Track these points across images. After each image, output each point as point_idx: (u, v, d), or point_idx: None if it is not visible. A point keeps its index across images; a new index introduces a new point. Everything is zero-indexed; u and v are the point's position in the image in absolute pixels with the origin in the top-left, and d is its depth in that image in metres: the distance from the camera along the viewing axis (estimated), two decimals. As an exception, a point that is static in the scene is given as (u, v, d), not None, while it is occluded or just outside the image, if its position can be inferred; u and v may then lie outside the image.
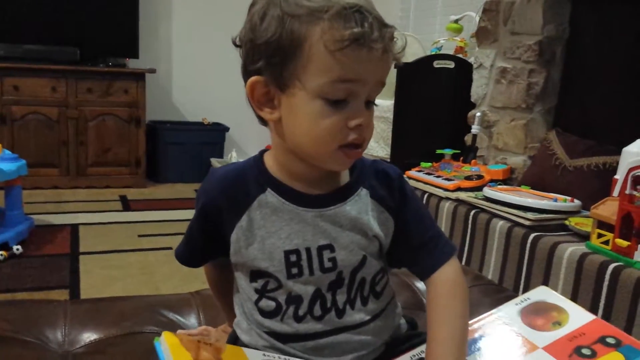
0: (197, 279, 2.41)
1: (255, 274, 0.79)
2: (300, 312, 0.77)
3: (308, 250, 0.76)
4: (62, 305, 1.09)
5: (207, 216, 0.81)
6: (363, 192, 0.80)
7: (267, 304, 0.78)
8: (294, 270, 0.76)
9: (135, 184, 4.06)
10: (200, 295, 1.12)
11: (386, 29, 0.70)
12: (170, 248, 2.75)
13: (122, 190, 3.96)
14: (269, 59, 0.71)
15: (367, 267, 0.79)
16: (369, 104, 0.73)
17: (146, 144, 4.08)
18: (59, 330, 1.03)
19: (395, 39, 0.73)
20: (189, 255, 0.89)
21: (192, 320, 1.06)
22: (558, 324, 0.82)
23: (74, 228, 3.05)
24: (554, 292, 0.90)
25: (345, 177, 0.80)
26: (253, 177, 0.78)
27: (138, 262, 2.63)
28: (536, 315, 0.85)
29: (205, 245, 0.85)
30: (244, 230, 0.77)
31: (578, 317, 0.83)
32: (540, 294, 0.90)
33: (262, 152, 0.82)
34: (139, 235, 3.00)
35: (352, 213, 0.78)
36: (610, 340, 0.74)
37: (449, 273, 0.80)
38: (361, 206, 0.79)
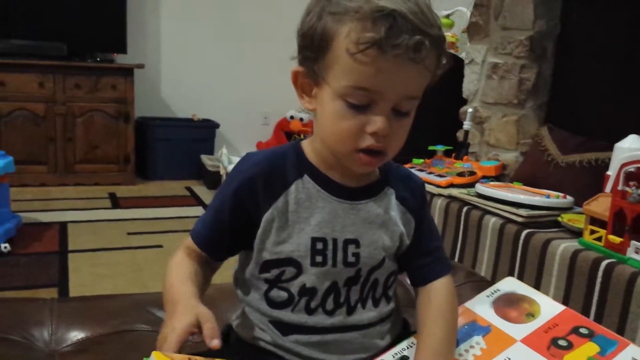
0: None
1: (269, 264, 0.78)
2: (313, 305, 0.78)
3: (335, 241, 0.77)
4: (49, 304, 1.07)
5: (242, 197, 0.78)
6: (389, 192, 0.82)
7: (279, 294, 0.78)
8: (318, 259, 0.77)
9: (125, 181, 4.02)
10: (190, 293, 1.10)
11: (422, 37, 0.66)
12: (160, 246, 2.73)
13: (111, 187, 3.92)
14: (305, 51, 0.73)
15: (384, 268, 0.82)
16: (401, 114, 0.72)
17: (135, 141, 4.04)
18: (45, 329, 1.01)
19: (437, 53, 0.70)
20: (212, 242, 0.81)
21: (181, 318, 1.04)
22: (531, 315, 0.84)
23: (63, 226, 3.02)
24: (521, 282, 0.92)
25: (375, 174, 0.83)
26: (291, 162, 0.79)
27: (127, 260, 2.60)
28: (508, 307, 0.87)
29: (233, 230, 0.79)
30: (279, 211, 0.77)
31: (549, 307, 0.86)
32: (509, 285, 0.92)
33: (299, 141, 0.83)
34: (128, 233, 2.97)
35: (380, 209, 0.80)
36: (583, 331, 0.75)
37: (448, 284, 0.84)
38: (388, 204, 0.82)
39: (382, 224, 0.81)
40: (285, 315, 0.78)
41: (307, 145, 0.81)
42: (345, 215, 0.78)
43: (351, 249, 0.78)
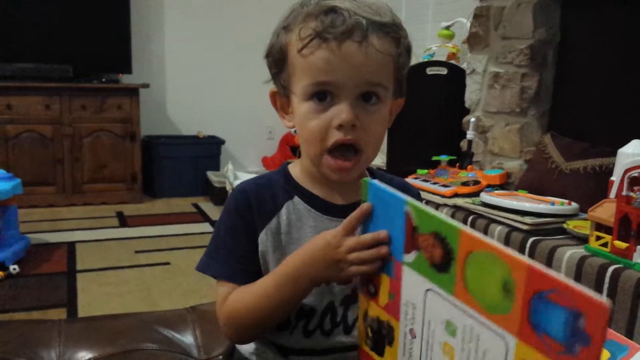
0: (195, 294, 2.40)
1: None
2: (310, 327, 0.77)
3: None
4: (56, 325, 1.08)
5: (245, 216, 0.77)
6: None
7: None
8: None
9: (132, 199, 4.05)
10: (196, 311, 1.11)
11: (358, 18, 0.68)
12: (168, 263, 2.74)
13: (118, 206, 3.94)
14: (271, 70, 0.78)
15: None
16: (367, 100, 0.72)
17: (142, 159, 4.07)
18: (53, 350, 1.02)
19: (390, 37, 0.71)
20: (245, 270, 0.77)
21: (188, 336, 1.05)
22: None
23: (71, 246, 3.04)
24: None
25: None
26: (280, 185, 0.80)
27: (136, 278, 2.61)
28: None
29: (254, 249, 0.77)
30: (272, 232, 0.77)
31: None
32: None
33: (286, 164, 0.84)
34: (136, 251, 2.99)
35: None
36: None
37: None
38: None
39: None
40: (284, 338, 0.78)
41: (294, 167, 0.82)
42: None
43: None
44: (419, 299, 0.59)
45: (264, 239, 0.77)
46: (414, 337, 0.60)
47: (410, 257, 0.60)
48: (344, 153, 0.73)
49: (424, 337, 0.59)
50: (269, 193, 0.79)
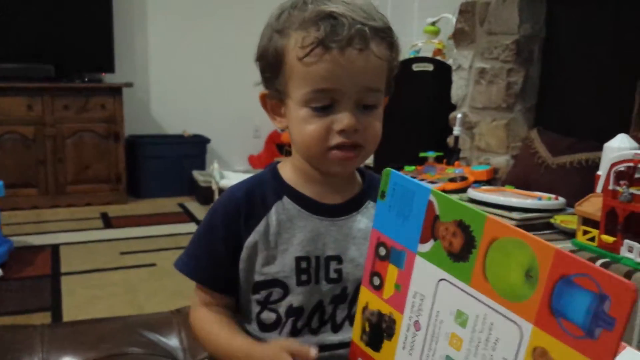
0: (181, 295, 2.37)
1: (259, 285, 0.78)
2: (299, 325, 0.78)
3: (317, 258, 0.78)
4: (39, 330, 1.06)
5: (229, 225, 0.78)
6: (370, 205, 0.81)
7: (268, 316, 0.79)
8: (304, 277, 0.77)
9: (116, 200, 4.01)
10: (181, 314, 1.10)
11: (361, 26, 0.69)
12: (154, 264, 2.71)
13: (103, 207, 3.90)
14: (264, 74, 0.77)
15: None
16: (366, 107, 0.74)
17: (126, 159, 4.02)
18: (35, 356, 1.00)
19: (385, 42, 0.73)
20: (219, 279, 0.80)
21: (173, 340, 1.04)
22: None
23: (55, 248, 3.00)
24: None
25: (357, 188, 0.82)
26: (270, 186, 0.80)
27: (121, 280, 2.58)
28: None
29: (232, 259, 0.79)
30: (260, 235, 0.77)
31: None
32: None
33: (275, 163, 0.84)
34: (121, 253, 2.95)
35: (362, 224, 0.80)
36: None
37: None
38: (371, 217, 0.81)
39: (365, 239, 0.79)
40: (272, 337, 0.78)
41: (284, 167, 0.82)
42: (327, 233, 0.78)
43: (333, 265, 0.78)
44: (430, 289, 0.60)
45: (251, 242, 0.77)
46: (418, 329, 0.60)
47: (425, 247, 0.61)
48: (346, 149, 0.74)
49: (429, 329, 0.59)
50: (259, 197, 0.79)
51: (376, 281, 0.66)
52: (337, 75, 0.70)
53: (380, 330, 0.64)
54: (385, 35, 0.73)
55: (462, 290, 0.57)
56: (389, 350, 0.64)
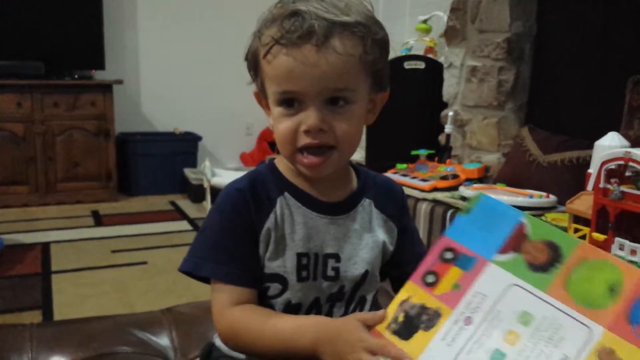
0: (172, 293, 2.37)
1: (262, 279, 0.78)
2: None
3: (316, 255, 0.78)
4: (28, 329, 1.05)
5: (242, 213, 0.76)
6: (366, 202, 0.82)
7: None
8: (304, 273, 0.77)
9: (107, 198, 3.98)
10: (172, 313, 1.09)
11: (320, 23, 0.67)
12: (145, 263, 2.69)
13: (93, 205, 3.88)
14: (249, 73, 0.78)
15: (367, 283, 0.81)
16: (335, 104, 0.72)
17: (116, 157, 4.00)
18: (25, 355, 0.99)
19: (356, 37, 0.70)
20: (248, 271, 0.76)
21: (163, 339, 1.03)
22: None
23: (45, 246, 2.98)
24: None
25: (353, 186, 0.83)
26: (271, 182, 0.80)
27: (112, 278, 2.56)
28: None
29: (255, 247, 0.76)
30: (271, 229, 0.77)
31: None
32: None
33: (271, 160, 0.83)
34: (112, 251, 2.94)
35: (360, 222, 0.81)
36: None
37: None
38: (368, 215, 0.82)
39: (363, 237, 0.80)
40: None
41: (280, 163, 0.81)
42: (325, 230, 0.78)
43: (331, 263, 0.78)
44: (496, 291, 0.65)
45: (264, 235, 0.76)
46: (468, 324, 0.64)
47: (504, 257, 0.68)
48: (313, 152, 0.73)
49: (482, 324, 0.64)
50: (263, 190, 0.78)
51: (430, 279, 0.69)
52: (297, 75, 0.69)
53: (418, 321, 0.67)
54: (355, 29, 0.70)
55: (533, 294, 0.64)
56: (422, 340, 0.66)
